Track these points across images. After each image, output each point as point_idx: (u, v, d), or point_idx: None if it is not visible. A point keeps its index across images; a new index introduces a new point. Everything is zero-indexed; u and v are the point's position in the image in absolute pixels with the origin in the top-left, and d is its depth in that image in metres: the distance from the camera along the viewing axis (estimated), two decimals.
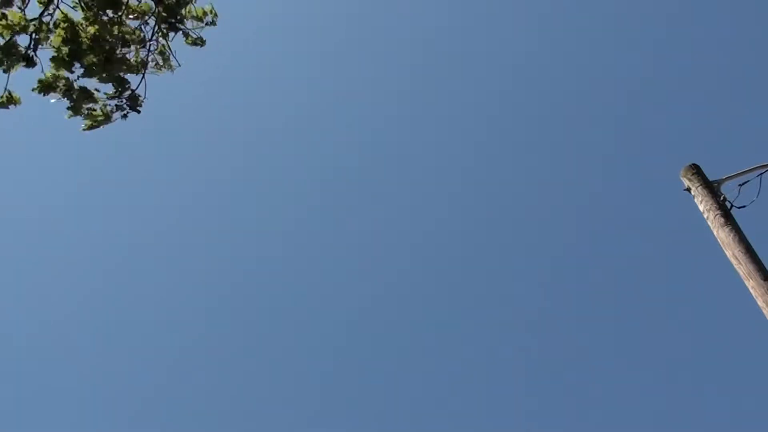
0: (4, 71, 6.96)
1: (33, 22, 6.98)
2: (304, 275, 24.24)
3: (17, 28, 6.84)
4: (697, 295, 21.85)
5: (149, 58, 7.49)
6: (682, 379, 20.65)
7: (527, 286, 22.99)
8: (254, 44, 24.36)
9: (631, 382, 20.71)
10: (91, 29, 7.07)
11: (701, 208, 7.74)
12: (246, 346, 23.03)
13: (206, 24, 7.55)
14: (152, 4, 7.35)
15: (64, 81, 7.20)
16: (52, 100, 7.26)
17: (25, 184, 23.71)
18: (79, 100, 7.30)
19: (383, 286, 23.55)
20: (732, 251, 7.12)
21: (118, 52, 7.20)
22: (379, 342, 23.08)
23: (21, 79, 7.29)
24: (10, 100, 7.18)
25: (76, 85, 7.28)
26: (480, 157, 24.41)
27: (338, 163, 24.87)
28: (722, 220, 7.40)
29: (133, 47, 7.34)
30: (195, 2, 7.50)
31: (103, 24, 7.04)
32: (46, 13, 7.04)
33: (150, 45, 7.47)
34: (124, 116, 7.58)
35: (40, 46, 7.05)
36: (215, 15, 7.57)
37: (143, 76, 7.47)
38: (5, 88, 7.14)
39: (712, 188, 7.80)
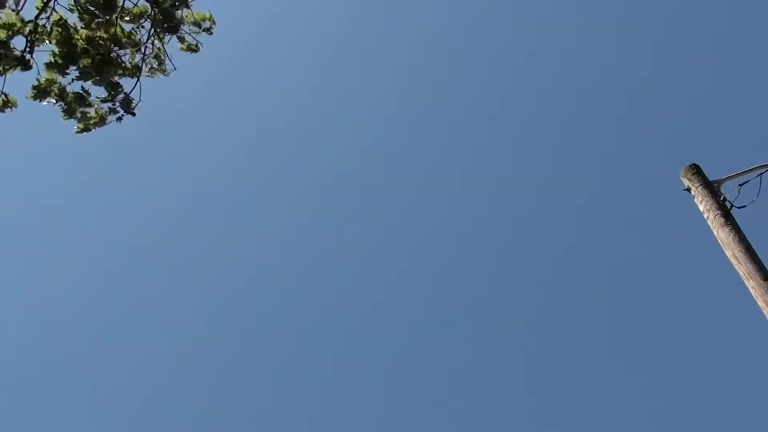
0: (0, 74, 6.94)
1: (29, 25, 6.95)
2: (304, 275, 24.25)
3: (11, 32, 6.81)
4: (698, 295, 21.83)
5: (144, 62, 7.48)
6: (683, 379, 20.64)
7: (527, 286, 22.97)
8: (249, 47, 24.34)
9: (631, 382, 20.70)
10: (86, 31, 7.05)
11: (701, 208, 7.72)
12: (246, 346, 23.04)
13: (203, 30, 7.58)
14: (148, 7, 7.34)
15: (57, 86, 7.19)
16: (46, 104, 7.25)
17: (22, 185, 23.71)
18: (73, 104, 7.29)
19: (383, 286, 23.55)
20: (732, 251, 7.10)
21: (113, 54, 7.18)
22: (380, 342, 23.07)
23: (17, 81, 7.27)
24: (7, 104, 7.16)
25: (70, 89, 7.28)
26: (480, 158, 24.40)
27: (336, 165, 24.85)
28: (722, 220, 7.38)
29: (128, 50, 7.32)
30: (192, 6, 7.51)
31: (98, 26, 7.02)
32: (42, 16, 7.00)
33: (145, 48, 7.46)
34: (119, 119, 7.58)
35: (36, 48, 7.03)
36: (213, 22, 7.60)
37: (138, 79, 7.47)
38: (1, 92, 7.12)
39: (712, 188, 7.77)
